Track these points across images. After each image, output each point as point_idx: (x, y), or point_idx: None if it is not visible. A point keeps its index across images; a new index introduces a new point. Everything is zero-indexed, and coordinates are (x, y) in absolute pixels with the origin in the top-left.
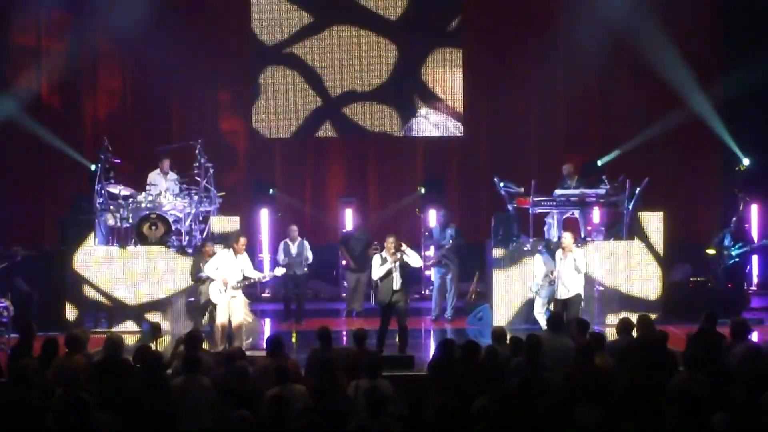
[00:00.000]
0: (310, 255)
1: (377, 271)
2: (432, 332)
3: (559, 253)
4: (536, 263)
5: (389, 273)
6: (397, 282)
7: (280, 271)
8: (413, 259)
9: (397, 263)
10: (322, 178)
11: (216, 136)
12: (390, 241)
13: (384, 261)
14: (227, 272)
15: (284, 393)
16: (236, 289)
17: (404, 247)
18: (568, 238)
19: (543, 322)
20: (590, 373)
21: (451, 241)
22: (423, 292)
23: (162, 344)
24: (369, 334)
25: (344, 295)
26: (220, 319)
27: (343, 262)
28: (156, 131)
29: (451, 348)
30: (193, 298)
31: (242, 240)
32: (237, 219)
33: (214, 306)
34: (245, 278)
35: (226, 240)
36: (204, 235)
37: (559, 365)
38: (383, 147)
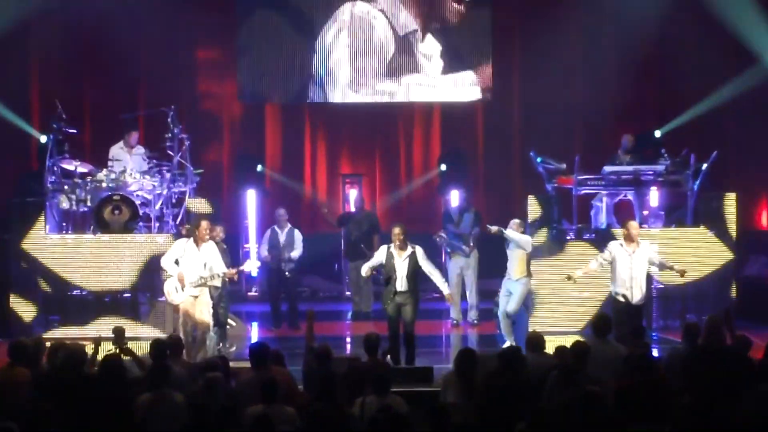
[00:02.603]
0: (299, 248)
1: (365, 265)
2: (452, 339)
3: (615, 246)
4: (618, 257)
5: (390, 274)
6: (401, 283)
7: (251, 266)
8: (436, 277)
9: (406, 260)
10: (322, 153)
11: (193, 102)
12: (397, 232)
13: (389, 255)
14: (186, 266)
15: (269, 413)
16: (198, 287)
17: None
18: (634, 227)
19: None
20: (647, 386)
21: (476, 229)
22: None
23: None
24: (384, 340)
25: (348, 293)
26: (185, 316)
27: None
28: (120, 96)
29: (471, 359)
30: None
31: (204, 225)
32: (204, 201)
33: (175, 307)
34: (211, 275)
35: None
36: (178, 221)
37: (609, 377)
38: (396, 115)
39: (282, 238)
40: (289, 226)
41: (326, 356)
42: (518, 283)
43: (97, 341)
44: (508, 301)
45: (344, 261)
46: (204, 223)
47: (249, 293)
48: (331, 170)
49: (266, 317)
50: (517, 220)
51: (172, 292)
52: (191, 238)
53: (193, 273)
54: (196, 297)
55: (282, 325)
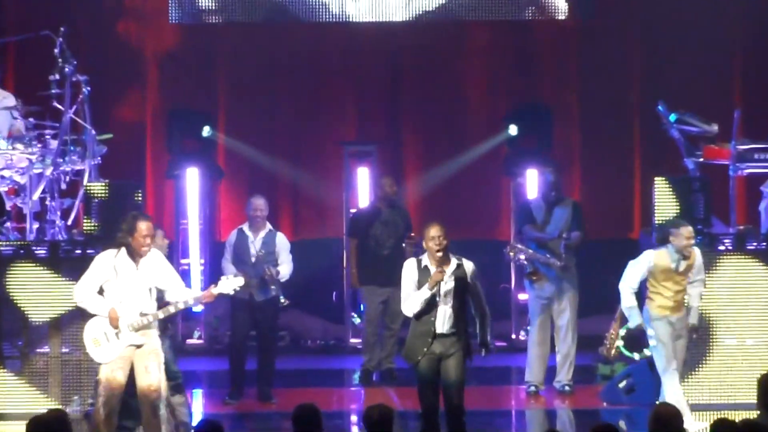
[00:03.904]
0: (287, 263)
1: (411, 297)
2: (527, 417)
3: None
4: None
5: (431, 302)
6: (444, 319)
7: (228, 287)
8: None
9: (451, 280)
10: (310, 108)
11: (96, 22)
12: (434, 235)
13: (424, 271)
14: (119, 297)
15: None
16: (141, 330)
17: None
18: None
19: None
20: None
21: (575, 233)
22: (512, 336)
23: None
24: (404, 418)
25: (354, 340)
26: (108, 388)
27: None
28: None
29: None
30: (66, 349)
31: (143, 227)
32: (113, 187)
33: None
34: (163, 306)
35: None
36: (70, 222)
37: None
38: (431, 44)
39: (255, 247)
40: (269, 227)
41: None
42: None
43: None
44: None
45: (349, 288)
46: (143, 225)
47: (188, 340)
48: (326, 137)
49: (219, 380)
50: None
51: (97, 339)
52: (121, 250)
53: (132, 307)
54: (139, 346)
55: (245, 394)
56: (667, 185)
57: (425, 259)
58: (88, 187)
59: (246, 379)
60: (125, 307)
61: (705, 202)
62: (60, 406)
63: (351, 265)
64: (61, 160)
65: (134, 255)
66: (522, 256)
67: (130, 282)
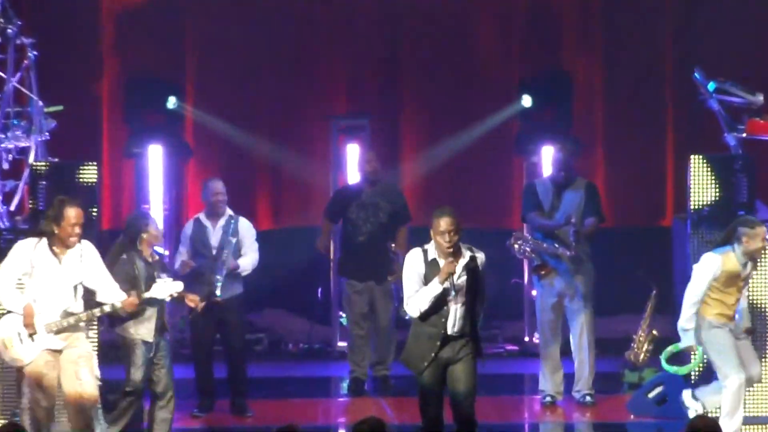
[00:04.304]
0: (252, 252)
1: (417, 294)
2: (542, 431)
3: None
4: None
5: (443, 298)
6: (455, 319)
7: (159, 291)
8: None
9: (463, 276)
10: (296, 78)
11: None
12: (445, 226)
13: (432, 265)
14: (38, 293)
15: None
16: (64, 333)
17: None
18: None
19: None
20: None
21: (590, 220)
22: (525, 339)
23: None
24: None
25: (342, 344)
26: (31, 396)
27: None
28: None
29: None
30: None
31: (72, 214)
32: (64, 167)
33: (19, 369)
34: (95, 307)
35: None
36: (13, 207)
37: None
38: (431, 2)
39: (215, 237)
40: (230, 213)
41: None
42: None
43: None
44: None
45: (337, 281)
46: (72, 212)
47: None
48: (312, 109)
49: (185, 389)
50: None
51: (9, 344)
52: (42, 240)
53: (51, 306)
54: (60, 351)
55: (216, 405)
56: (705, 164)
57: (432, 251)
58: (35, 167)
59: (217, 388)
60: (42, 306)
61: (748, 184)
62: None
63: (323, 232)
64: (3, 136)
65: (59, 246)
66: (528, 249)
67: (50, 277)
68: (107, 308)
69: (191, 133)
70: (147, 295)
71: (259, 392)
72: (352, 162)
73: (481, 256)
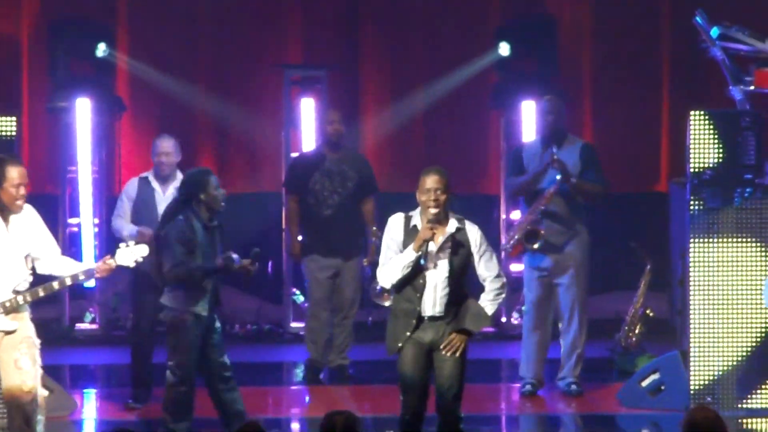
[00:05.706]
0: None
1: (390, 262)
2: (521, 424)
3: None
4: None
5: (418, 271)
6: (435, 298)
7: (126, 257)
8: (490, 296)
9: (448, 246)
10: (243, 23)
11: None
12: (430, 185)
13: (412, 232)
14: None
15: None
16: (12, 314)
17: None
18: None
19: None
20: None
21: (573, 180)
22: (502, 319)
23: None
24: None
25: (296, 325)
26: None
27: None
28: None
29: None
30: None
31: (15, 173)
32: (8, 121)
33: None
34: (45, 285)
35: None
36: None
37: None
38: None
39: (165, 202)
40: (180, 177)
41: None
42: None
43: None
44: None
45: (288, 258)
46: (15, 172)
47: (78, 325)
48: (261, 58)
49: (119, 377)
50: None
51: None
52: None
53: (3, 281)
54: (10, 333)
55: (153, 395)
56: (707, 121)
57: (416, 217)
58: None
59: (154, 375)
60: None
61: (756, 144)
62: None
63: (290, 231)
64: None
65: (3, 212)
66: (536, 246)
67: None
68: (67, 281)
69: (124, 86)
70: (112, 261)
71: (200, 379)
72: (307, 119)
73: (474, 231)
